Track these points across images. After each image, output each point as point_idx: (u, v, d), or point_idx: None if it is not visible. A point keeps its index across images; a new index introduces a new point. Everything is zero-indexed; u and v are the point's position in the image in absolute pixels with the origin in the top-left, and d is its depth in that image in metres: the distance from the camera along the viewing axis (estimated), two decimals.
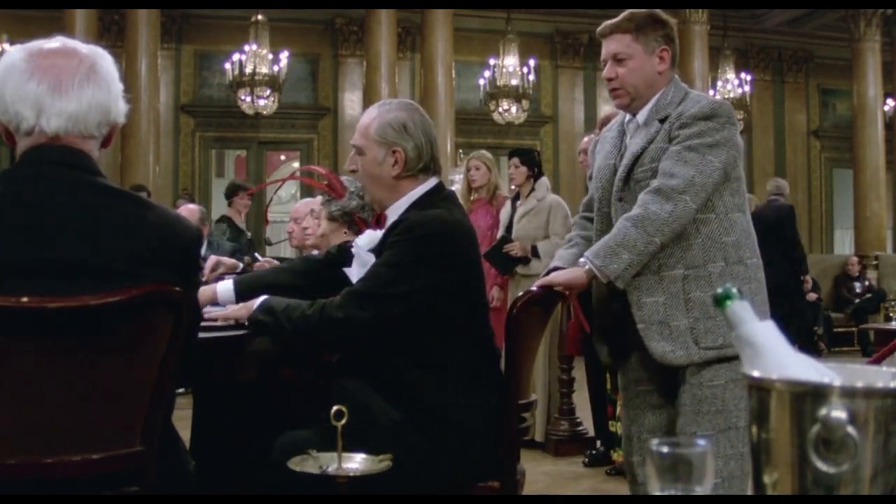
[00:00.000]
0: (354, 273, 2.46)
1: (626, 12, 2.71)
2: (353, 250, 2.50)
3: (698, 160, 2.50)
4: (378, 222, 2.50)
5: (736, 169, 2.61)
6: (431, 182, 2.41)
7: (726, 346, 2.51)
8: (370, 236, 2.45)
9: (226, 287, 2.64)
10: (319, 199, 3.73)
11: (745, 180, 2.70)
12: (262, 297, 2.36)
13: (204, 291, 2.58)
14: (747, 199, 2.70)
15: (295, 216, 4.54)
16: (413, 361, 2.27)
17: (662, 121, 2.61)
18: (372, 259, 2.37)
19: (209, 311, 2.48)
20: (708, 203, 2.55)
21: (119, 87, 1.80)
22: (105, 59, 1.79)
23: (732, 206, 2.60)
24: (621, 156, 2.70)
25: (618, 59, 2.65)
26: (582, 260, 2.56)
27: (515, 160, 5.68)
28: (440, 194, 2.41)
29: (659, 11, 2.73)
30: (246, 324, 2.36)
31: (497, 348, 2.45)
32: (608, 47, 2.68)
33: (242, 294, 2.57)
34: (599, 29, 2.74)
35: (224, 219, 8.14)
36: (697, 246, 2.56)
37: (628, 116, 2.74)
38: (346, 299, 2.26)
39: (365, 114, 2.45)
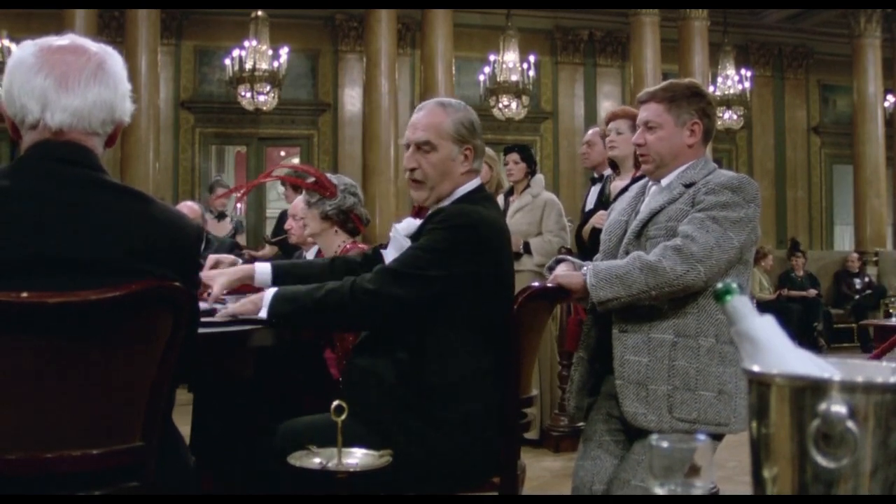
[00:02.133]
0: (389, 256, 2.50)
1: (667, 82, 2.80)
2: (391, 234, 2.53)
3: (720, 233, 2.49)
4: (418, 213, 2.53)
5: (748, 252, 2.61)
6: (477, 181, 2.52)
7: (699, 423, 2.49)
8: (409, 223, 2.49)
9: (263, 269, 2.63)
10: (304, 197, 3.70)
11: (752, 264, 2.69)
12: (271, 291, 2.35)
13: (236, 271, 2.61)
14: (749, 284, 2.69)
15: (293, 213, 4.52)
16: (427, 352, 2.30)
17: (687, 186, 2.63)
18: (408, 243, 2.42)
19: (217, 308, 2.48)
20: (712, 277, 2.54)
21: (126, 86, 1.81)
22: (114, 58, 1.80)
23: None
24: (635, 214, 2.72)
25: (649, 127, 2.71)
26: (584, 269, 2.58)
27: (515, 156, 5.66)
28: (482, 193, 2.52)
29: (699, 85, 2.80)
30: (258, 317, 2.35)
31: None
32: (642, 114, 2.75)
33: (279, 277, 2.59)
34: (639, 95, 2.82)
35: (283, 213, 8.24)
36: (692, 316, 2.54)
37: (651, 182, 2.78)
38: (379, 275, 2.30)
39: (427, 111, 2.50)
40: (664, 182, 2.70)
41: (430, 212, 2.45)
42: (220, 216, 7.92)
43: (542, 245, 5.43)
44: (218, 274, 2.57)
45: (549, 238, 5.47)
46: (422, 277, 2.27)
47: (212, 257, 2.72)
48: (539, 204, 5.57)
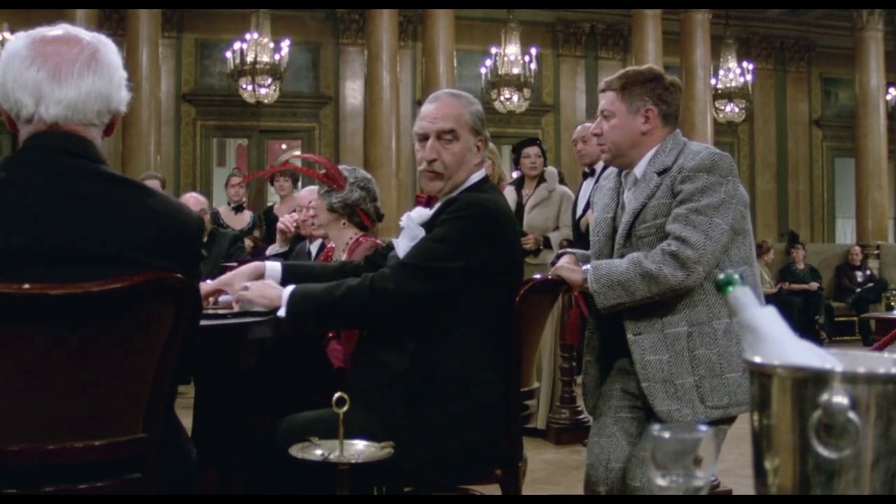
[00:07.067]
0: (401, 245, 2.45)
1: (624, 70, 2.76)
2: (403, 223, 2.50)
3: (706, 224, 2.48)
4: (428, 202, 2.51)
5: (742, 223, 2.58)
6: (483, 172, 2.54)
7: (732, 406, 2.51)
8: (421, 212, 2.47)
9: (273, 267, 2.62)
10: (316, 188, 3.70)
11: (752, 232, 2.64)
12: (288, 289, 2.35)
13: (247, 269, 2.60)
14: (754, 250, 2.67)
15: (301, 203, 4.51)
16: (438, 343, 2.29)
17: (661, 173, 2.60)
18: (421, 233, 2.40)
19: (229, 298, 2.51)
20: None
21: (122, 75, 1.79)
22: (108, 47, 1.78)
23: (739, 260, 2.56)
24: (620, 207, 2.71)
25: (605, 116, 2.70)
26: (586, 268, 2.57)
27: (537, 149, 5.78)
28: (489, 183, 2.54)
29: (656, 70, 2.75)
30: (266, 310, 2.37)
31: None
32: (600, 103, 2.73)
33: (288, 278, 2.57)
34: (600, 84, 2.80)
35: (269, 210, 8.21)
36: (702, 303, 2.54)
37: (624, 171, 2.75)
38: (397, 271, 2.29)
39: (443, 102, 2.48)
40: (638, 173, 2.66)
41: (441, 201, 2.44)
42: (238, 209, 7.80)
43: (560, 239, 5.48)
44: (233, 276, 2.56)
45: (567, 232, 5.52)
46: (439, 270, 2.27)
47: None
48: (556, 199, 5.66)
